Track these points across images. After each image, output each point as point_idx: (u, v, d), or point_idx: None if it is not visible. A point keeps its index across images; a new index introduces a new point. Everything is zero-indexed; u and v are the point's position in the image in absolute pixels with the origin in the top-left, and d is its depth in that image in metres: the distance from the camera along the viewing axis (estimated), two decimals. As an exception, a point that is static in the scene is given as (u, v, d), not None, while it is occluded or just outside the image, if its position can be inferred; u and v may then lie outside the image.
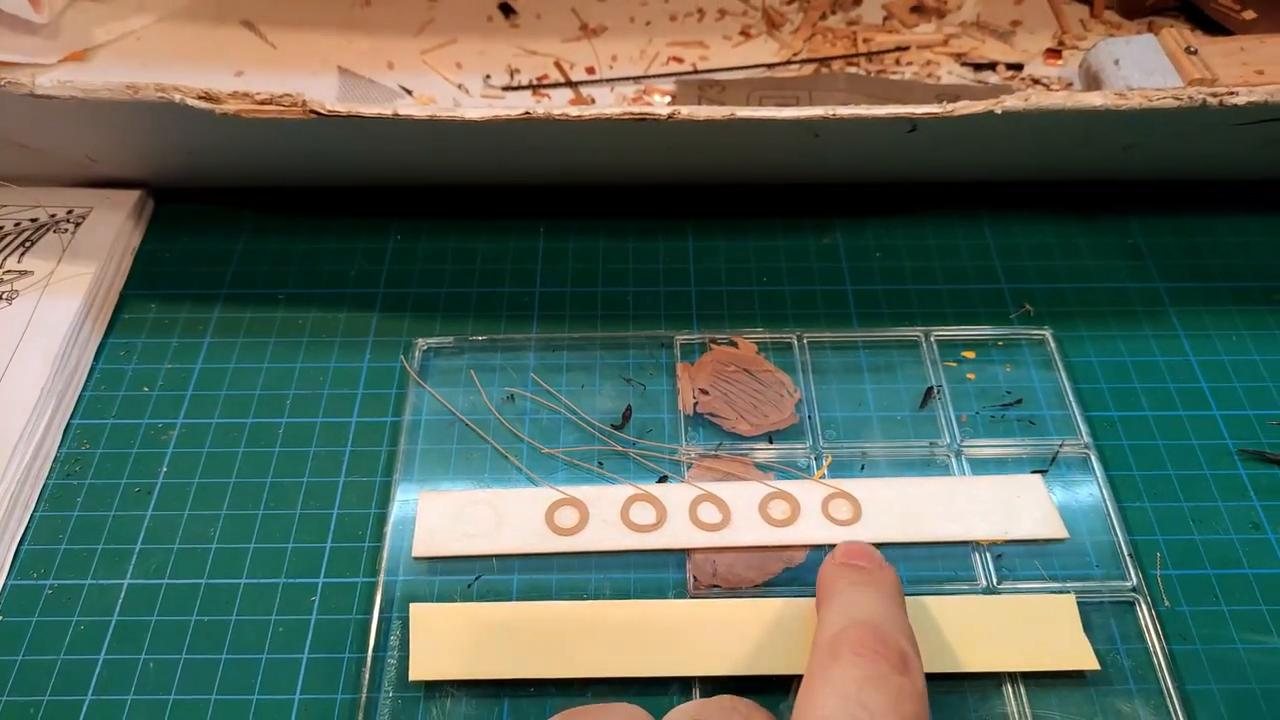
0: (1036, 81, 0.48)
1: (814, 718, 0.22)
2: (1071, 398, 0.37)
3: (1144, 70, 0.43)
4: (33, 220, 0.41)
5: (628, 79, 0.49)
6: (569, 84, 0.49)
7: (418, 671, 0.30)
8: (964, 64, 0.50)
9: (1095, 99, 0.34)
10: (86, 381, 0.38)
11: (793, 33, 0.51)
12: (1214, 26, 0.50)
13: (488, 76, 0.49)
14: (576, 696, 0.30)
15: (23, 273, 0.40)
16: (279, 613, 0.32)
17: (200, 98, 0.34)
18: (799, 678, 0.30)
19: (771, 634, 0.30)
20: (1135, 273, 0.41)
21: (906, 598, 0.31)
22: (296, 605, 0.32)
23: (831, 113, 0.34)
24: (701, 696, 0.30)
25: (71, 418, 0.37)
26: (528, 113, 0.34)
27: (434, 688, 0.30)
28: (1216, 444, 0.36)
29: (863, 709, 0.22)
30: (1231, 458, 0.35)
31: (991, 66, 0.49)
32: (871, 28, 0.52)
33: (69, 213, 0.42)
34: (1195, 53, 0.44)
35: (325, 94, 0.48)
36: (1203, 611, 0.32)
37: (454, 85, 0.48)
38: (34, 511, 0.34)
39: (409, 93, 0.48)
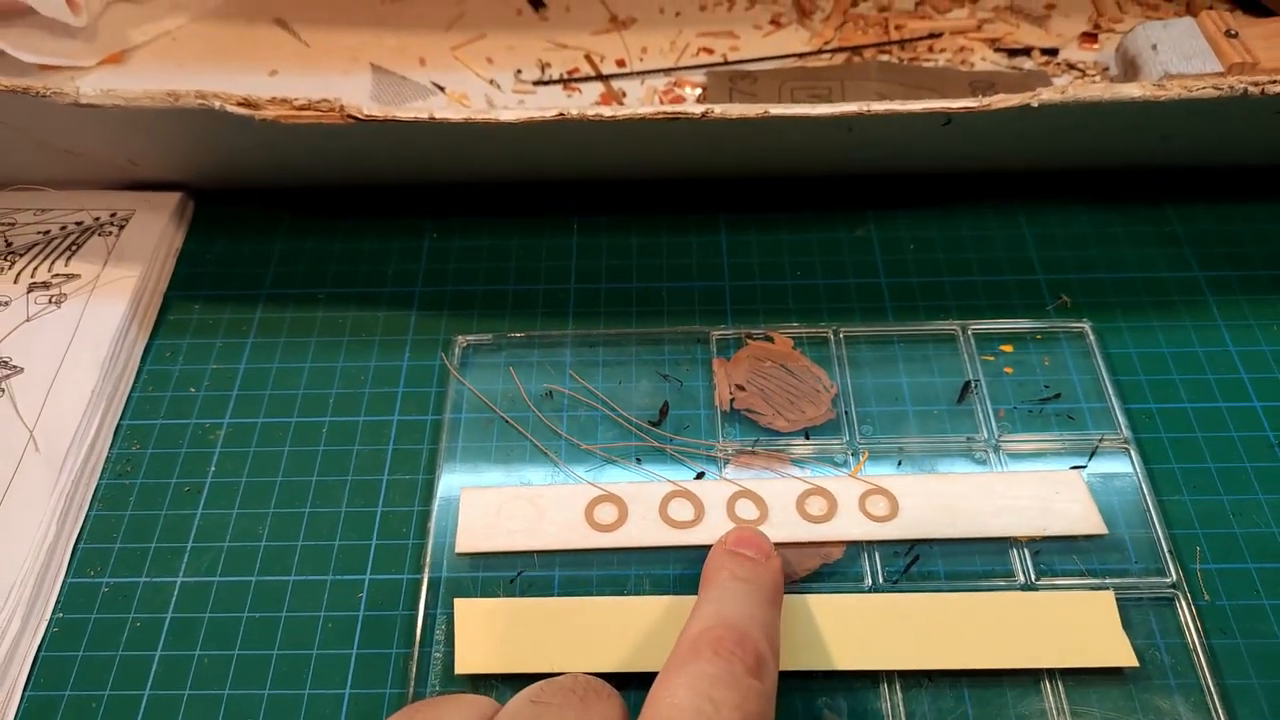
0: (1072, 67, 0.48)
1: (664, 702, 0.24)
2: (1111, 391, 0.36)
3: (1182, 55, 0.43)
4: (78, 224, 0.42)
5: (658, 71, 0.49)
6: (600, 77, 0.49)
7: (463, 665, 0.31)
8: (998, 49, 0.49)
9: (1133, 90, 0.34)
10: (134, 383, 0.38)
11: (824, 20, 0.51)
12: (1258, 6, 0.49)
13: (519, 71, 0.49)
14: (618, 690, 0.30)
15: (70, 276, 0.40)
16: (327, 609, 0.33)
17: (239, 104, 0.34)
18: (841, 672, 0.30)
19: (809, 630, 0.31)
20: (1173, 261, 0.41)
21: (946, 594, 0.31)
22: (344, 602, 0.33)
23: (865, 109, 0.34)
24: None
25: (121, 418, 0.37)
26: (561, 113, 0.34)
27: (479, 681, 0.31)
28: (1257, 436, 0.35)
29: (709, 702, 0.23)
30: (1273, 450, 0.35)
31: (1026, 52, 0.49)
32: (903, 14, 0.51)
33: (113, 215, 0.43)
34: (1236, 36, 0.43)
35: (359, 92, 0.48)
36: (1243, 606, 0.32)
37: (485, 81, 0.49)
38: (89, 511, 0.35)
39: (441, 89, 0.48)
